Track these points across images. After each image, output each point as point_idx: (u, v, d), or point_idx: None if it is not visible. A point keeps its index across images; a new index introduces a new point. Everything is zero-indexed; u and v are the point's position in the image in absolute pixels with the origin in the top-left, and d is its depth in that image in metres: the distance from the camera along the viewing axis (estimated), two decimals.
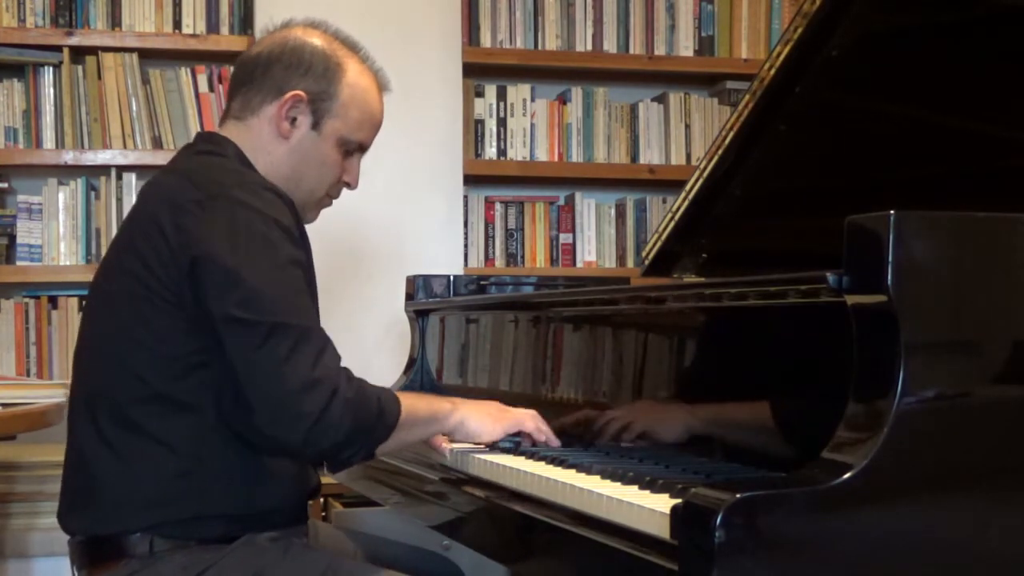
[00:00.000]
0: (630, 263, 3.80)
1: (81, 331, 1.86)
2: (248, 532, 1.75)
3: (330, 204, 1.97)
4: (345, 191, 1.98)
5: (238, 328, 1.63)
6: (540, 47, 3.72)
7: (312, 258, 1.81)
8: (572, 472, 1.64)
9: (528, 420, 1.89)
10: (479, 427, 1.85)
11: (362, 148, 1.95)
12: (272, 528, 1.78)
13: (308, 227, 1.86)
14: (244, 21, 3.48)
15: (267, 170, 1.84)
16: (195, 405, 1.70)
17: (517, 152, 3.72)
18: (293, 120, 1.86)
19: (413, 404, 1.77)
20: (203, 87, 3.47)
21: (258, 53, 1.89)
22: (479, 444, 1.90)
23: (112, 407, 1.74)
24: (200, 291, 1.66)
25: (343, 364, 1.69)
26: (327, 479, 2.64)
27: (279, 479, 1.78)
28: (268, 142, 1.86)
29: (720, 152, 2.02)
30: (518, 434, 1.90)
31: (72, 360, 1.88)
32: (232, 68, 1.95)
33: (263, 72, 1.86)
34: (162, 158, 3.43)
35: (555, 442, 1.89)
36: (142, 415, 1.71)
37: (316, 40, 1.89)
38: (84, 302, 1.91)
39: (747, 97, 1.94)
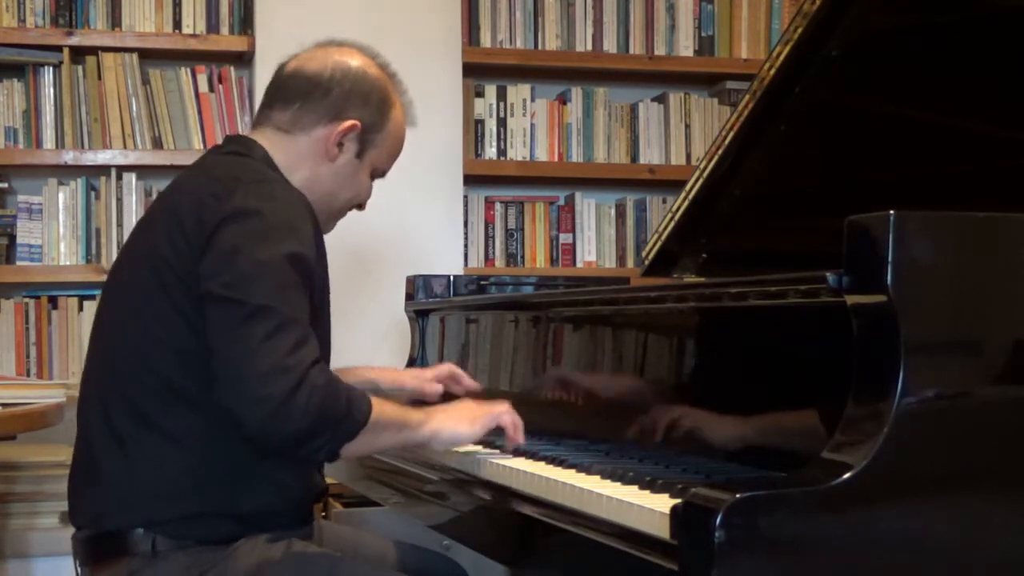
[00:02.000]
0: (630, 263, 3.80)
1: (95, 325, 1.88)
2: (250, 532, 1.75)
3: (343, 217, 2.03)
4: None
5: (223, 304, 1.65)
6: (540, 47, 3.72)
7: (327, 264, 1.84)
8: (572, 472, 1.64)
9: (505, 415, 1.87)
10: (454, 434, 1.83)
11: (382, 176, 2.02)
12: (275, 528, 1.78)
13: None
14: (244, 21, 3.48)
15: (304, 184, 1.88)
16: (204, 400, 1.70)
17: (517, 152, 3.72)
18: (341, 145, 1.90)
19: (383, 409, 1.73)
20: (203, 87, 3.47)
21: (317, 72, 1.90)
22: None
23: (124, 400, 1.75)
24: (201, 268, 1.69)
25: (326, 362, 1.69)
26: (328, 479, 2.65)
27: (283, 480, 1.78)
28: (312, 159, 1.89)
29: (720, 152, 2.02)
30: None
31: (86, 354, 1.89)
32: (278, 75, 1.95)
33: (323, 93, 1.88)
34: (162, 158, 3.44)
35: (518, 439, 1.87)
36: (153, 408, 1.73)
37: (374, 71, 1.93)
38: (99, 296, 1.93)
39: (747, 97, 1.94)
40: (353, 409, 1.67)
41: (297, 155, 1.89)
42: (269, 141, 1.89)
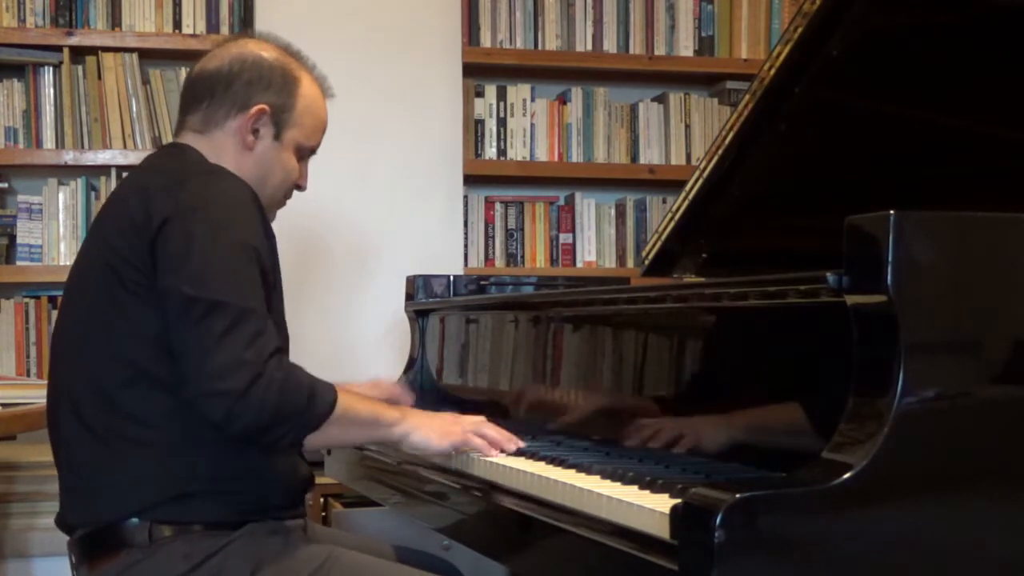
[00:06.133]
0: (630, 263, 3.80)
1: (57, 327, 1.90)
2: (245, 515, 1.77)
3: (284, 205, 2.04)
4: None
5: (181, 302, 1.69)
6: (540, 47, 3.72)
7: (276, 246, 1.87)
8: (572, 472, 1.64)
9: (473, 439, 1.86)
10: (425, 441, 1.85)
11: (312, 152, 2.03)
12: (268, 512, 1.80)
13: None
14: (244, 21, 3.48)
15: None
16: (172, 383, 1.73)
17: (517, 152, 3.72)
18: (256, 132, 1.93)
19: (354, 403, 1.78)
20: None
21: (217, 69, 1.94)
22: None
23: (95, 394, 1.77)
24: (156, 263, 1.72)
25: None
26: (327, 479, 2.65)
27: (266, 454, 1.80)
28: (233, 153, 1.93)
29: (720, 152, 2.02)
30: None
31: (49, 358, 1.91)
32: (186, 81, 2.00)
33: (225, 87, 1.93)
34: None
35: (511, 447, 1.87)
36: (126, 397, 1.75)
37: (272, 54, 1.97)
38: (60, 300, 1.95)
39: (747, 97, 1.93)
40: (316, 400, 1.71)
41: (218, 152, 1.92)
42: (193, 144, 1.93)
